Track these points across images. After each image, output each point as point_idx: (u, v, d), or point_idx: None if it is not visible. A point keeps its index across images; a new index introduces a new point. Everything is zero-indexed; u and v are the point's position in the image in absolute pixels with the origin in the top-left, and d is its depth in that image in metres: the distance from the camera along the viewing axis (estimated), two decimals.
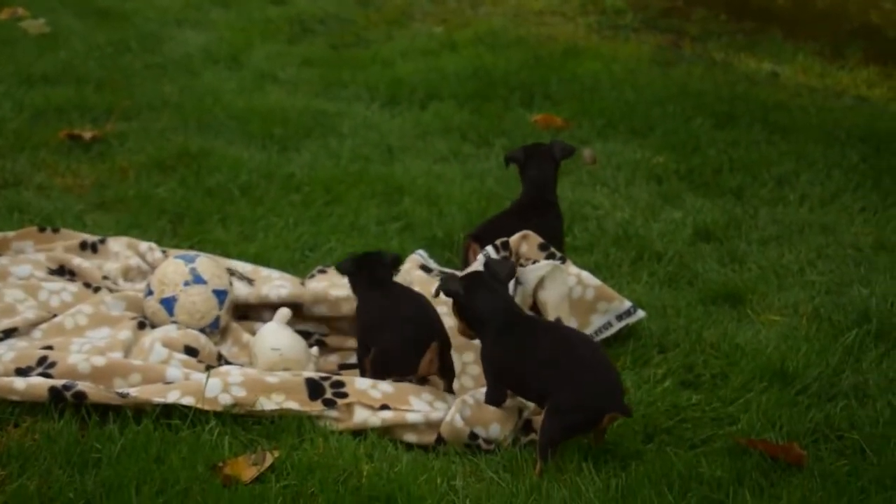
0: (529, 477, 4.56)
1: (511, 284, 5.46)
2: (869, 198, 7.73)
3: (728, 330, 5.81)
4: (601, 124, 8.95)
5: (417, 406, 4.96)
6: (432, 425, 4.90)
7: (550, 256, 5.66)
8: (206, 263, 5.68)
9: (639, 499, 4.41)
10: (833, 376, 5.38)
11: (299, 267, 6.38)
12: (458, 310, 5.04)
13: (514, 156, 6.26)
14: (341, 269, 5.44)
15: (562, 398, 4.65)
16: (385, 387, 5.03)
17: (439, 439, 4.87)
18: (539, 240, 5.72)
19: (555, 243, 5.81)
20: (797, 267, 6.64)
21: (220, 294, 5.62)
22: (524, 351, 4.84)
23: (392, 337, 5.13)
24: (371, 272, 5.35)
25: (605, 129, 8.90)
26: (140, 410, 4.78)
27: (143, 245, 6.18)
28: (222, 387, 4.90)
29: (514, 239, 5.70)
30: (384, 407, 4.94)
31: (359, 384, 5.02)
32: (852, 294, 6.18)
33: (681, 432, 4.99)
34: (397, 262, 5.56)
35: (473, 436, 4.86)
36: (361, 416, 4.91)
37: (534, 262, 5.57)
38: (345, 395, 4.96)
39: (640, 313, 5.76)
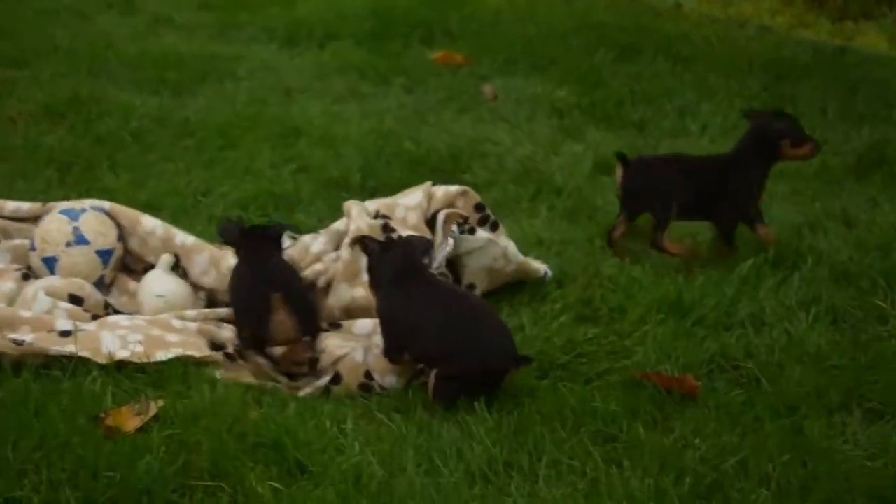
0: (420, 417, 4.49)
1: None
2: None
3: (626, 263, 5.75)
4: (502, 60, 8.88)
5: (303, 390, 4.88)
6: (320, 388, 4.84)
7: (485, 219, 5.57)
8: (92, 221, 5.47)
9: (530, 435, 4.34)
10: (730, 306, 5.34)
11: (191, 213, 6.26)
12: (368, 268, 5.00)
13: None
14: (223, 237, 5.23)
15: (453, 365, 4.59)
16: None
17: (334, 378, 4.80)
18: (477, 199, 5.62)
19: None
20: None
21: (105, 254, 5.44)
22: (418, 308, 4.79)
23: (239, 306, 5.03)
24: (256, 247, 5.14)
25: (507, 64, 8.83)
26: (19, 363, 4.64)
27: (10, 206, 5.80)
28: (121, 345, 4.77)
29: (452, 191, 5.60)
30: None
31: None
32: None
33: (576, 367, 4.92)
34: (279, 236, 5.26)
35: (369, 375, 4.80)
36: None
37: (470, 228, 5.45)
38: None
39: (549, 276, 5.65)
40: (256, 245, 5.11)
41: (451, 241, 5.34)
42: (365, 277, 5.13)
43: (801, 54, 9.25)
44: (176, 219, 6.10)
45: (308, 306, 5.05)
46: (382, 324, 4.89)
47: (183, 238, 5.49)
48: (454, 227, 5.42)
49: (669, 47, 9.18)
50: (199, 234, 5.86)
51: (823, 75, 8.78)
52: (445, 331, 4.67)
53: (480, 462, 4.20)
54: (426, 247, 5.03)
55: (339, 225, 5.48)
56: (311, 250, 5.40)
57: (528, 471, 4.19)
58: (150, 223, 5.55)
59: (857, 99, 8.40)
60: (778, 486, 4.12)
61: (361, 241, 4.98)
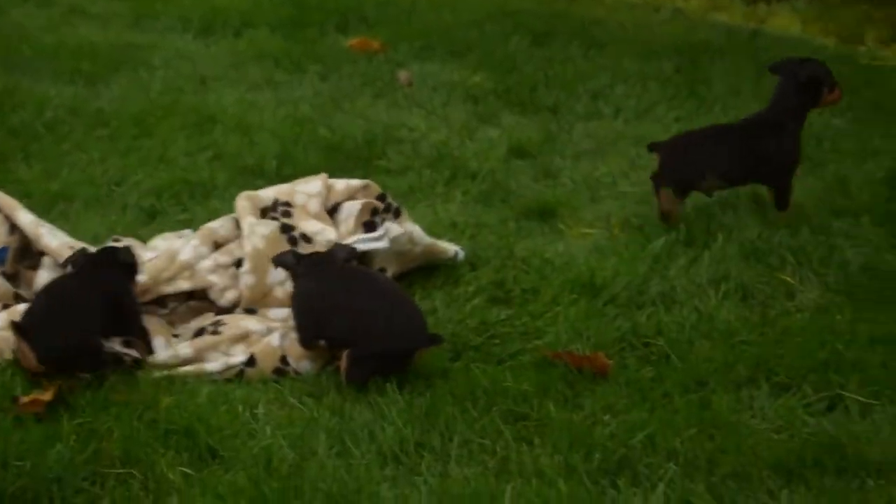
0: (332, 400, 4.51)
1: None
2: (684, 107, 7.78)
3: (539, 245, 5.80)
4: (418, 46, 8.87)
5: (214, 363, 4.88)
6: (233, 366, 4.83)
7: (388, 208, 5.58)
8: None
9: (442, 416, 4.37)
10: (641, 285, 5.39)
11: (105, 202, 6.22)
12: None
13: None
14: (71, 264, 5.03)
15: (365, 345, 4.64)
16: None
17: (250, 361, 4.80)
18: (378, 190, 5.65)
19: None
20: (610, 179, 6.65)
21: None
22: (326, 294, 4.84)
23: None
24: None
25: (423, 51, 8.82)
26: None
27: None
28: None
29: (354, 185, 5.64)
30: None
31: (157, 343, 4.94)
32: None
33: (489, 349, 4.96)
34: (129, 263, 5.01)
35: (285, 360, 4.82)
36: (163, 354, 4.86)
37: (395, 211, 5.51)
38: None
39: (461, 256, 5.67)
40: (91, 269, 4.95)
41: (386, 229, 5.35)
42: (276, 294, 5.19)
43: (715, 37, 9.35)
44: (89, 208, 6.11)
45: (67, 344, 4.65)
46: (296, 312, 4.91)
47: (48, 241, 5.29)
48: (377, 219, 5.47)
49: (584, 32, 9.23)
50: (112, 224, 5.87)
51: (737, 58, 8.86)
52: (357, 313, 4.72)
53: (392, 443, 4.24)
54: (350, 255, 5.05)
55: (214, 224, 5.43)
56: (180, 258, 5.24)
57: (439, 451, 4.23)
58: (23, 218, 5.38)
59: (769, 81, 8.46)
60: (685, 460, 4.18)
61: (278, 262, 5.01)
